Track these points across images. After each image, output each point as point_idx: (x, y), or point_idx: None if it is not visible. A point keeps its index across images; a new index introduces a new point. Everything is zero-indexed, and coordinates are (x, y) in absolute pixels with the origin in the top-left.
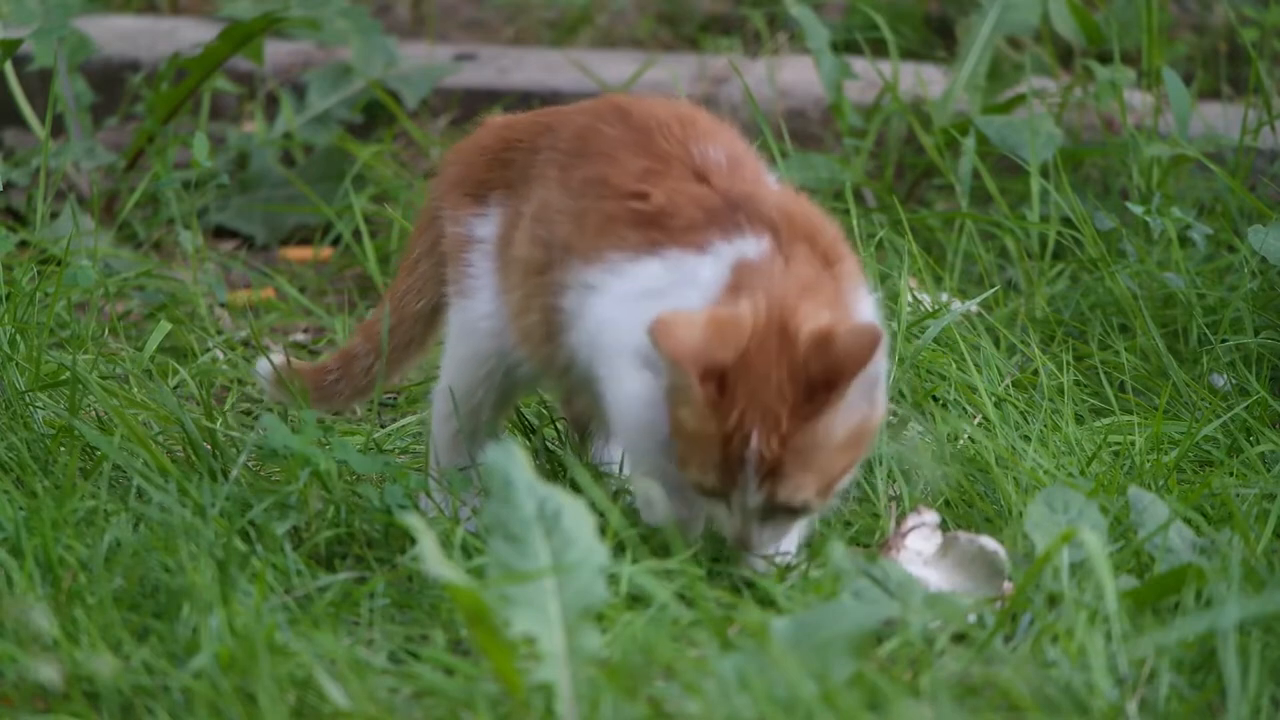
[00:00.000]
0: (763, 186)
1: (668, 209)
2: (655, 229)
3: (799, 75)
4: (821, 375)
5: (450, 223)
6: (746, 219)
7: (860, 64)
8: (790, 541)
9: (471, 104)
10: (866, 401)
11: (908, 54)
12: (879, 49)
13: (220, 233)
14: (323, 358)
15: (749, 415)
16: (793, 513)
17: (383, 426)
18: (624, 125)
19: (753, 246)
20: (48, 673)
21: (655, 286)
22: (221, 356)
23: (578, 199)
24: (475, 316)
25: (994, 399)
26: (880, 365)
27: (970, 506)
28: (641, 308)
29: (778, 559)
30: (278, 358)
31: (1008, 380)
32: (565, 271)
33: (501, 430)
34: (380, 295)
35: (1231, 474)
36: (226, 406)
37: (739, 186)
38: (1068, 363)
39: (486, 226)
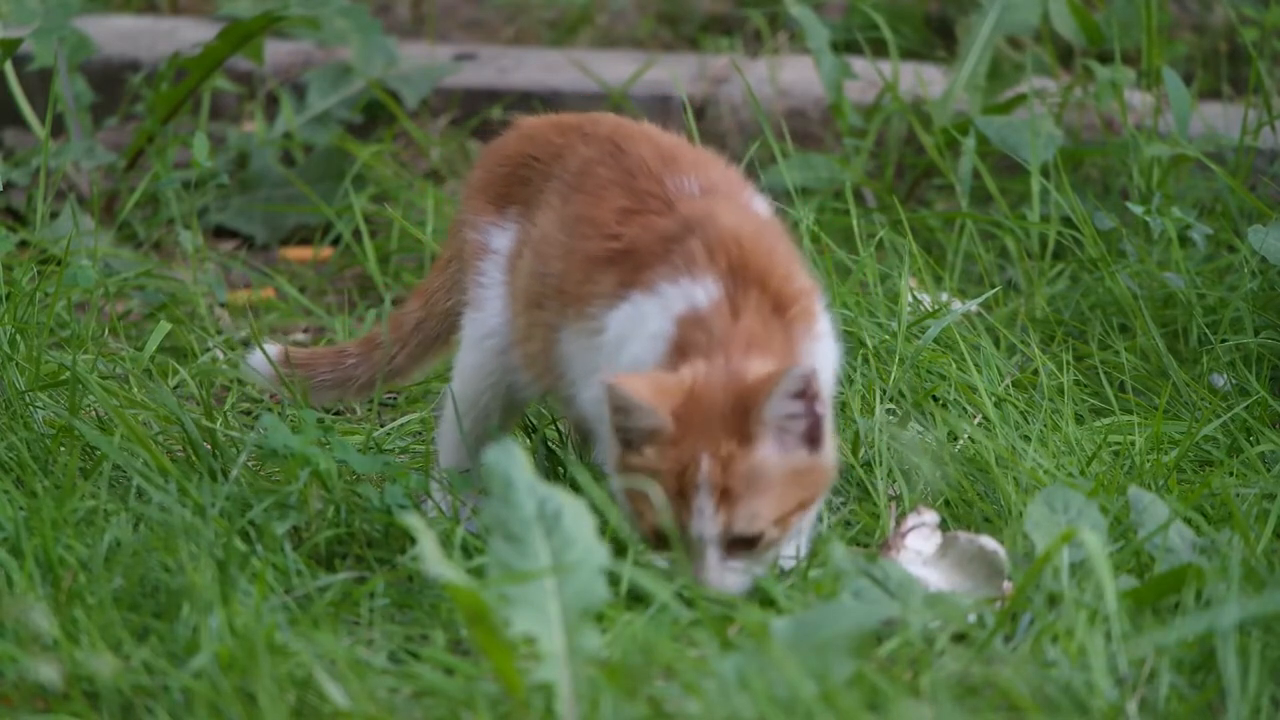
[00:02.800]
0: (727, 212)
1: (634, 245)
2: (620, 267)
3: (799, 75)
4: (748, 405)
5: (470, 228)
6: (701, 247)
7: (860, 64)
8: (790, 545)
9: (472, 104)
10: (805, 441)
11: (908, 54)
12: (879, 49)
13: (220, 233)
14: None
15: (699, 445)
16: (750, 545)
17: (382, 426)
18: (614, 164)
19: (701, 293)
20: (48, 672)
21: (623, 333)
22: (221, 356)
23: (568, 236)
24: (482, 332)
25: (994, 399)
26: (823, 408)
27: (970, 506)
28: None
29: (781, 562)
30: (272, 348)
31: (1008, 380)
32: (559, 316)
33: (512, 433)
34: (380, 295)
35: (1231, 474)
36: (226, 406)
37: (701, 208)
38: (1068, 363)
39: (502, 239)
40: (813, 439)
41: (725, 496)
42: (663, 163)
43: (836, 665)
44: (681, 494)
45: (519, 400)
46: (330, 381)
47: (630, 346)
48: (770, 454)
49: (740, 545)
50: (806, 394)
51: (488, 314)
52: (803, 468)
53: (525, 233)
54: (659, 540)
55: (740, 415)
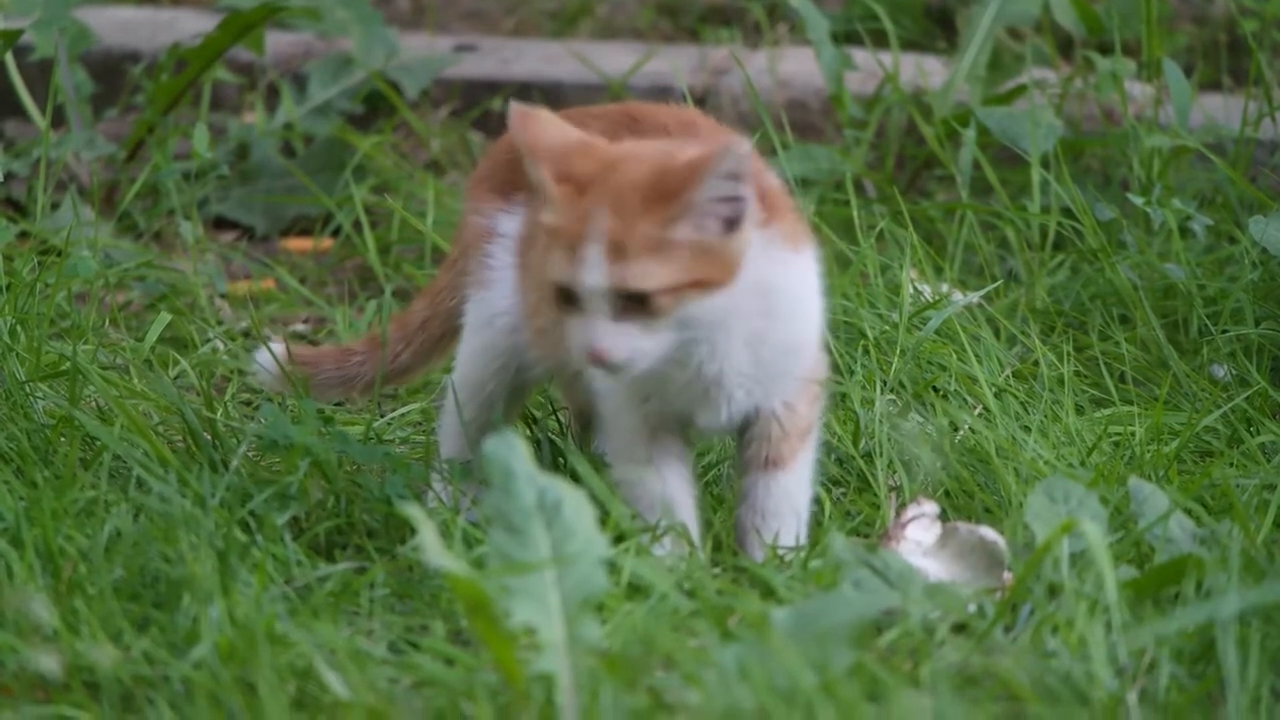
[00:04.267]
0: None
1: None
2: None
3: (799, 66)
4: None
5: (475, 214)
6: None
7: (861, 55)
8: (789, 535)
9: (472, 95)
10: (724, 224)
11: (908, 45)
12: (879, 40)
13: (221, 223)
14: (351, 342)
15: (597, 201)
16: (641, 305)
17: (383, 416)
18: (629, 133)
19: None
20: (48, 663)
21: None
22: (222, 347)
23: None
24: (492, 312)
25: (994, 390)
26: (750, 191)
27: (970, 497)
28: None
29: (779, 551)
30: (277, 346)
31: (1008, 371)
32: None
33: (514, 423)
34: (381, 286)
35: (1232, 464)
36: (227, 397)
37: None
38: (1068, 353)
39: (510, 223)
40: (733, 222)
41: (616, 250)
42: (681, 127)
43: (837, 655)
44: (576, 247)
45: (524, 384)
46: (335, 379)
47: None
48: (685, 230)
49: (630, 304)
50: (741, 175)
51: (496, 295)
52: (708, 243)
53: (534, 214)
54: (557, 309)
55: (659, 188)
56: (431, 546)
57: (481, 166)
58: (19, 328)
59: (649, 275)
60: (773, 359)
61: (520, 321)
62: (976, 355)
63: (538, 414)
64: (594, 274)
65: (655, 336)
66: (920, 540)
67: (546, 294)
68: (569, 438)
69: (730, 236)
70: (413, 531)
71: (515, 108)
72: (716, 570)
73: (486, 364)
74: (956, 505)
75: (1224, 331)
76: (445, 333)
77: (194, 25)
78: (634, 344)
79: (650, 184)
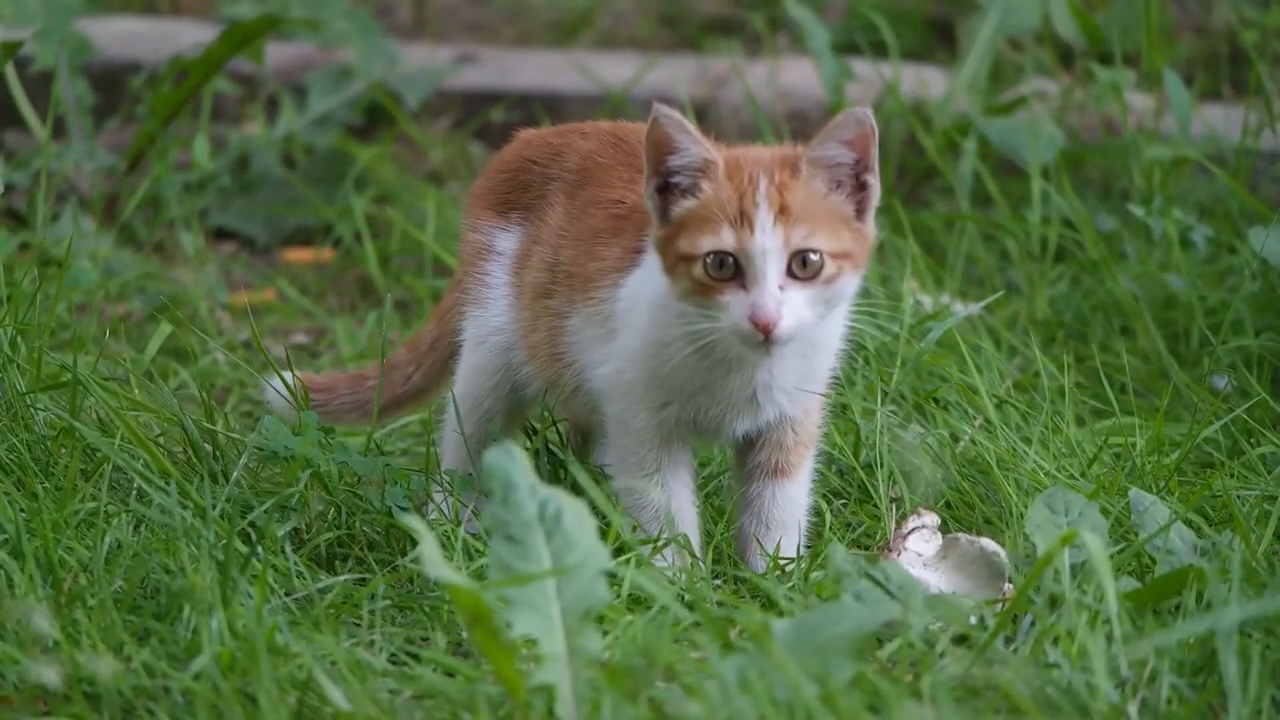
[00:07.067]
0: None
1: (640, 205)
2: (627, 230)
3: (800, 77)
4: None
5: (472, 230)
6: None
7: (861, 66)
8: (790, 545)
9: (473, 105)
10: (852, 200)
11: (909, 56)
12: (880, 50)
13: (221, 234)
14: (361, 367)
15: (754, 171)
16: (807, 269)
17: (382, 427)
18: (617, 150)
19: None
20: (48, 674)
21: (637, 291)
22: (222, 359)
23: (575, 221)
24: (487, 330)
25: (995, 401)
26: (874, 179)
27: (971, 508)
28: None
29: (780, 561)
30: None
31: (1009, 382)
32: (568, 303)
33: (514, 437)
34: (380, 297)
35: (1232, 476)
36: (227, 408)
37: None
38: (1069, 364)
39: (507, 241)
40: (860, 206)
41: (783, 213)
42: None
43: (837, 667)
44: (742, 215)
45: (521, 400)
46: (350, 404)
47: (648, 290)
48: (820, 187)
49: (799, 269)
50: (858, 145)
51: (491, 313)
52: (849, 220)
53: (530, 234)
54: (707, 286)
55: (789, 157)
56: (432, 558)
57: (478, 183)
58: (19, 339)
59: (814, 235)
60: (815, 366)
61: (515, 339)
62: (977, 366)
63: (538, 425)
64: (766, 236)
65: (813, 308)
66: (921, 552)
67: (688, 274)
68: (569, 449)
69: (864, 221)
70: (413, 543)
71: (660, 109)
72: (717, 582)
73: (482, 382)
74: (957, 516)
75: (1224, 342)
76: (454, 352)
77: (194, 36)
78: (798, 312)
79: (784, 155)
